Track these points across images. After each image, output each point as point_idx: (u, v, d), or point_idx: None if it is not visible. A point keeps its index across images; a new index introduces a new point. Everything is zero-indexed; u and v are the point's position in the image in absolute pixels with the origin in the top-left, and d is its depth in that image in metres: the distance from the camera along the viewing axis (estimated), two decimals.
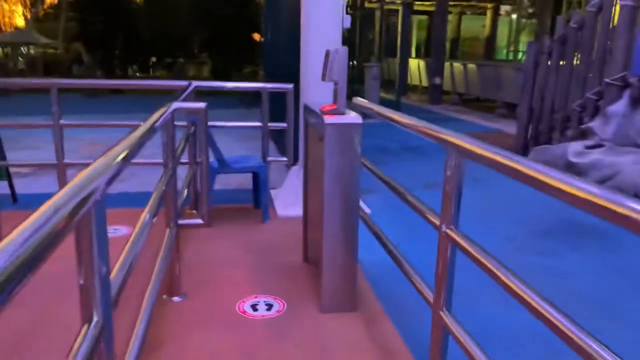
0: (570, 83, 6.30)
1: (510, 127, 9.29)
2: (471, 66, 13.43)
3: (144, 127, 1.93)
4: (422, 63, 16.85)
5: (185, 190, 3.92)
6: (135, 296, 2.05)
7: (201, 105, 2.59)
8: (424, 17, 20.74)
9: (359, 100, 3.11)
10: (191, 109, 2.71)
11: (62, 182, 4.21)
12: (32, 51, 26.61)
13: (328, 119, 2.55)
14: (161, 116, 2.30)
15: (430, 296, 2.01)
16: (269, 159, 4.56)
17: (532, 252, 3.77)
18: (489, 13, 16.49)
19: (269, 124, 4.54)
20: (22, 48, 25.80)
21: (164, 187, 2.38)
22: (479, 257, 1.70)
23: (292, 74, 5.66)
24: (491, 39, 16.72)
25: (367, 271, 3.08)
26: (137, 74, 23.84)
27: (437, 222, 1.91)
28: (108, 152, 1.34)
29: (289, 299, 2.85)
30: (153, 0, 22.60)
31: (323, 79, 2.63)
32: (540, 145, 6.64)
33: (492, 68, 12.47)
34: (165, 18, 21.17)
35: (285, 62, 6.60)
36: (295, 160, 4.84)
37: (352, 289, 2.73)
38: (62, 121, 4.09)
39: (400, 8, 14.57)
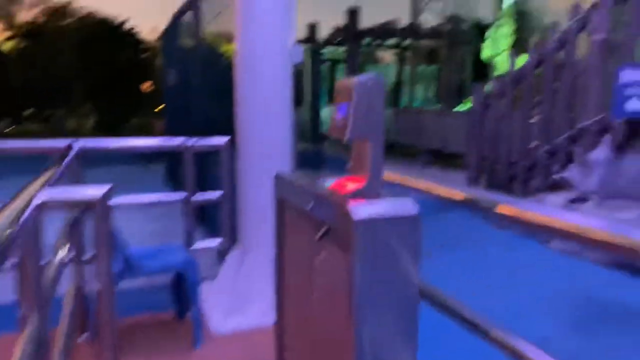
0: (529, 127, 5.67)
1: (448, 176, 8.59)
2: (388, 112, 13.01)
3: None
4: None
5: (70, 306, 2.45)
6: None
7: (97, 194, 1.26)
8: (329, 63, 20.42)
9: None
10: (77, 202, 1.36)
11: None
12: None
13: (357, 209, 1.33)
14: (19, 216, 0.97)
15: None
16: (197, 245, 3.19)
17: None
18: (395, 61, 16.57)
19: (195, 195, 3.20)
20: None
21: None
22: None
23: (215, 126, 4.38)
24: (398, 85, 16.72)
25: None
26: (7, 130, 20.80)
27: None
28: None
29: None
30: (27, 45, 20.15)
31: (339, 135, 1.42)
32: None
33: (412, 114, 12.11)
34: (42, 64, 18.79)
35: (201, 111, 5.28)
36: (232, 242, 3.51)
37: None
38: None
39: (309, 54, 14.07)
